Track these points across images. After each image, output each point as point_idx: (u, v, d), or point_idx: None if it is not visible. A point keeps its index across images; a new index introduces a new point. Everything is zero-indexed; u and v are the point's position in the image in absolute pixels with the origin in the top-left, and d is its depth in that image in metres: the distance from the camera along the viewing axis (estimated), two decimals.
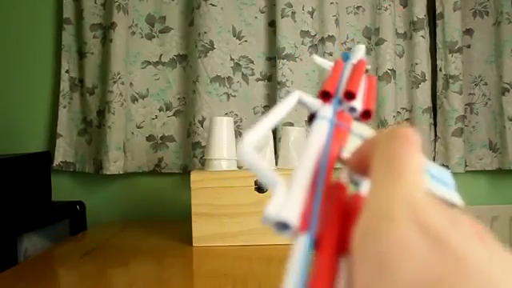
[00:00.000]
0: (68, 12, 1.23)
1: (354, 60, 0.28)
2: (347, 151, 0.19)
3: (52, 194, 1.13)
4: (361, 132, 0.21)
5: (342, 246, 0.14)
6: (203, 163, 1.07)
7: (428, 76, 1.26)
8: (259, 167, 0.16)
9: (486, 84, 1.30)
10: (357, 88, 0.23)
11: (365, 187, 0.18)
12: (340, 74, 0.25)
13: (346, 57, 0.29)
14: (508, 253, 0.13)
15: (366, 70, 0.27)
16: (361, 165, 0.18)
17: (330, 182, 0.17)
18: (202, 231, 0.84)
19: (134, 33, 1.23)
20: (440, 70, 1.28)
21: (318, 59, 0.31)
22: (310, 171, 0.17)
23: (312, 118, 0.22)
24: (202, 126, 1.17)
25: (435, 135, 1.29)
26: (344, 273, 0.14)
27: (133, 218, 1.24)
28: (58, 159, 1.22)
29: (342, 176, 0.19)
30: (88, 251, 0.83)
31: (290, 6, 1.20)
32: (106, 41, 1.20)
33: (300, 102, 0.22)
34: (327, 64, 0.30)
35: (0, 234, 0.84)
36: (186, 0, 1.24)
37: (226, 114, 1.22)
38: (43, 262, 0.78)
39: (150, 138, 1.24)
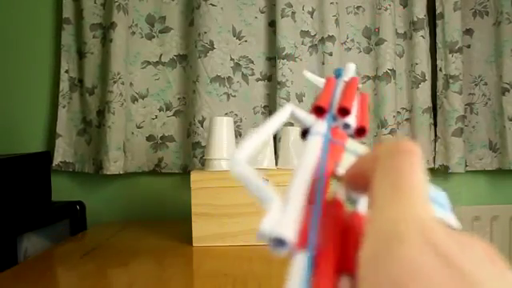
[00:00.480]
0: (68, 12, 1.23)
1: (345, 77, 0.28)
2: (342, 168, 0.19)
3: (52, 194, 1.13)
4: (355, 149, 0.21)
5: (340, 265, 0.14)
6: (203, 163, 1.07)
7: (428, 76, 1.26)
8: (253, 182, 0.16)
9: (486, 84, 1.30)
10: (351, 104, 0.23)
11: (362, 205, 0.18)
12: (332, 91, 0.25)
13: (337, 74, 0.28)
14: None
15: (358, 88, 0.27)
16: (359, 181, 0.17)
17: (327, 199, 0.17)
18: (202, 231, 0.84)
19: (134, 33, 1.23)
20: (440, 70, 1.28)
21: (309, 75, 0.31)
22: (306, 186, 0.16)
23: (305, 133, 0.22)
24: (202, 126, 1.17)
25: (435, 135, 1.29)
26: None
27: (133, 218, 1.24)
28: (57, 159, 1.22)
29: (339, 193, 0.18)
30: (88, 251, 0.83)
31: (289, 5, 1.20)
32: (105, 41, 1.20)
33: (292, 117, 0.22)
34: (319, 81, 0.30)
35: (0, 234, 0.84)
36: (185, 0, 1.24)
37: (226, 114, 1.22)
38: (43, 262, 0.78)
39: (150, 137, 1.24)
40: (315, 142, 0.20)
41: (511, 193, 1.32)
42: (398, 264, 0.12)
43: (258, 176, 0.16)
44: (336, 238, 0.15)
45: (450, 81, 1.25)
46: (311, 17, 1.22)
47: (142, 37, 1.24)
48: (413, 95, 1.26)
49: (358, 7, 1.28)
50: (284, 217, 0.15)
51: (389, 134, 1.22)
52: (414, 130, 1.26)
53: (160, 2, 1.24)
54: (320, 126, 0.21)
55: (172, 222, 1.11)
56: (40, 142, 1.26)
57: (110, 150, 1.15)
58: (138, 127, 1.24)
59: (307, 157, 0.18)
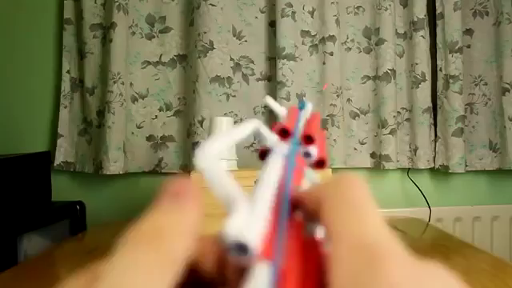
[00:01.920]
0: (68, 12, 1.23)
1: (307, 112, 0.28)
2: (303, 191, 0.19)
3: (52, 194, 1.13)
4: (313, 179, 0.21)
5: (304, 286, 0.13)
6: None
7: (428, 76, 1.26)
8: (217, 178, 0.15)
9: (486, 84, 1.30)
10: (315, 133, 0.23)
11: (319, 231, 0.17)
12: (296, 119, 0.25)
13: (301, 106, 0.28)
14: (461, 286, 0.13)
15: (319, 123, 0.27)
16: (309, 209, 0.17)
17: (290, 218, 0.16)
18: (202, 231, 0.84)
19: (134, 33, 1.23)
20: (440, 69, 1.28)
21: (270, 101, 0.30)
22: (271, 197, 0.16)
23: (263, 153, 0.21)
24: (202, 126, 1.17)
25: (435, 135, 1.29)
26: None
27: (133, 218, 1.24)
28: (58, 159, 1.22)
29: (298, 215, 0.18)
30: (88, 251, 0.83)
31: (290, 5, 1.20)
32: (106, 41, 1.20)
33: (256, 133, 0.22)
34: (279, 109, 0.30)
35: (0, 234, 0.84)
36: (185, 0, 1.24)
37: (226, 114, 1.22)
38: (43, 262, 0.78)
39: (150, 137, 1.24)
40: (278, 161, 0.19)
41: (511, 193, 1.32)
42: (384, 279, 0.12)
43: (226, 174, 0.15)
44: (301, 256, 0.14)
45: (450, 81, 1.25)
46: (311, 17, 1.22)
47: (142, 37, 1.24)
48: (413, 95, 1.26)
49: (358, 7, 1.28)
50: (250, 222, 0.14)
51: (389, 134, 1.22)
52: (414, 129, 1.26)
53: (160, 2, 1.24)
54: (283, 148, 0.21)
55: None
56: (41, 141, 1.27)
57: (110, 150, 1.15)
58: (138, 127, 1.24)
59: (269, 172, 0.18)
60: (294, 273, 0.14)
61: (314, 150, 0.22)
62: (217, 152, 0.16)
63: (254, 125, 0.21)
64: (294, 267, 0.14)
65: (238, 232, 0.13)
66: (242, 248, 0.13)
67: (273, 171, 0.18)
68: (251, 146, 1.24)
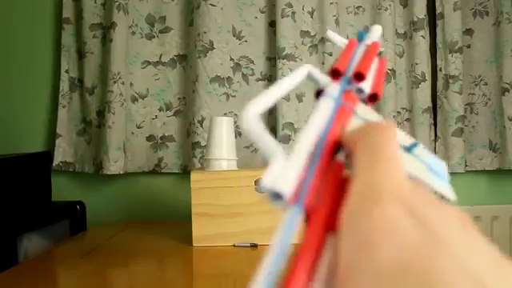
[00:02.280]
0: (68, 12, 1.23)
1: (368, 41, 0.28)
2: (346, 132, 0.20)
3: (52, 194, 1.13)
4: (364, 115, 0.21)
5: (332, 223, 0.15)
6: (203, 163, 1.07)
7: (428, 76, 1.26)
8: (260, 136, 0.16)
9: (486, 84, 1.30)
10: (367, 70, 0.23)
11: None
12: (352, 54, 0.25)
13: (361, 37, 0.28)
14: (485, 240, 0.13)
15: (379, 53, 0.27)
16: (347, 150, 0.18)
17: (329, 160, 0.17)
18: (202, 231, 0.84)
19: (134, 33, 1.23)
20: (440, 70, 1.28)
21: (331, 34, 0.31)
22: (309, 146, 0.17)
23: (319, 93, 0.22)
24: (202, 126, 1.17)
25: (435, 135, 1.29)
26: (329, 250, 0.14)
27: (133, 217, 1.24)
28: (57, 159, 1.22)
29: (341, 156, 0.19)
30: (88, 251, 0.83)
31: (290, 6, 1.20)
32: (105, 41, 1.20)
33: (309, 76, 0.23)
34: (341, 41, 0.30)
35: (0, 234, 0.84)
36: (185, 0, 1.24)
37: (226, 114, 1.22)
38: (43, 262, 0.78)
39: (150, 138, 1.24)
40: (326, 105, 0.20)
41: (511, 193, 1.32)
42: (370, 221, 0.13)
43: (266, 132, 0.17)
44: (331, 197, 0.16)
45: (450, 81, 1.25)
46: (311, 17, 1.22)
47: (142, 37, 1.24)
48: (413, 95, 1.26)
49: (358, 7, 1.28)
50: (285, 172, 0.15)
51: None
52: (414, 129, 1.26)
53: (160, 2, 1.24)
54: (334, 89, 0.22)
55: (172, 222, 1.11)
56: (40, 141, 1.27)
57: (110, 150, 1.15)
58: (138, 127, 1.24)
59: (315, 117, 0.19)
60: (321, 212, 0.15)
61: (366, 85, 0.23)
62: (260, 111, 0.17)
63: (306, 70, 0.22)
64: (323, 206, 0.15)
65: (272, 182, 0.15)
66: (277, 196, 0.15)
67: (317, 116, 0.19)
68: (251, 145, 1.24)
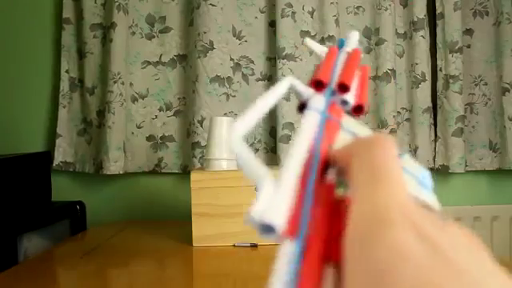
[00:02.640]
0: (68, 12, 1.23)
1: (348, 48, 0.27)
2: (335, 148, 0.18)
3: (52, 194, 1.13)
4: (351, 128, 0.20)
5: (328, 253, 0.14)
6: (203, 163, 1.07)
7: (428, 76, 1.26)
8: (248, 160, 0.15)
9: (486, 84, 1.30)
10: (351, 80, 0.22)
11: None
12: (334, 62, 0.24)
13: (340, 44, 0.27)
14: (491, 258, 0.13)
15: (359, 61, 0.26)
16: (339, 167, 0.17)
17: (319, 182, 0.16)
18: (202, 231, 0.84)
19: (134, 33, 1.23)
20: (440, 69, 1.28)
21: (310, 43, 0.30)
22: (300, 168, 0.16)
23: (303, 106, 0.21)
24: (202, 126, 1.17)
25: (435, 135, 1.28)
26: (332, 280, 0.13)
27: (133, 217, 1.24)
28: (57, 159, 1.22)
29: (330, 175, 0.18)
30: (88, 251, 0.83)
31: (290, 6, 1.20)
32: (106, 41, 1.20)
33: (291, 89, 0.21)
34: (320, 49, 0.29)
35: (0, 234, 0.84)
36: (185, 0, 1.24)
37: (226, 114, 1.22)
38: (43, 262, 0.78)
39: (150, 138, 1.24)
40: (312, 119, 0.19)
41: (511, 193, 1.32)
42: (385, 248, 0.12)
43: (253, 156, 0.16)
44: (325, 225, 0.15)
45: (450, 81, 1.25)
46: (311, 17, 1.22)
47: (142, 37, 1.24)
48: (413, 95, 1.26)
49: (358, 7, 1.28)
50: (275, 202, 0.14)
51: (389, 134, 1.22)
52: (414, 129, 1.26)
53: (160, 2, 1.24)
54: (318, 101, 0.21)
55: (172, 222, 1.10)
56: (40, 141, 1.27)
57: (110, 150, 1.15)
58: (138, 127, 1.24)
59: (303, 135, 0.18)
60: (319, 241, 0.14)
61: (351, 96, 0.22)
62: (247, 130, 0.16)
63: (288, 82, 0.21)
64: (321, 235, 0.14)
65: (262, 213, 0.13)
66: (268, 228, 0.13)
67: (305, 132, 0.18)
68: (251, 145, 1.24)
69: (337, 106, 0.21)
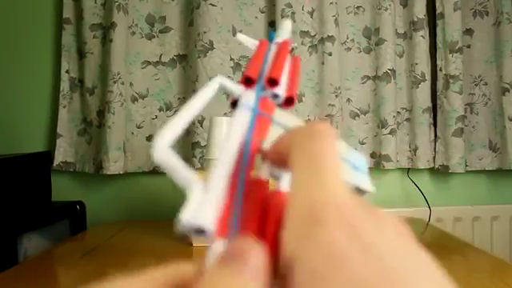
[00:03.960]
0: (68, 12, 1.23)
1: (279, 38, 0.26)
2: (268, 143, 0.18)
3: (52, 194, 1.13)
4: (284, 122, 0.20)
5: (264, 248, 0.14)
6: (203, 163, 1.07)
7: (428, 76, 1.26)
8: (173, 166, 0.15)
9: (486, 84, 1.30)
10: (280, 73, 0.22)
11: (285, 181, 0.17)
12: (264, 56, 0.24)
13: (271, 36, 0.27)
14: (427, 255, 0.13)
15: (292, 50, 0.25)
16: (279, 159, 0.17)
17: (250, 178, 0.16)
18: None
19: (134, 33, 1.23)
20: (440, 69, 1.28)
21: (241, 37, 0.29)
22: (229, 167, 0.16)
23: (235, 103, 0.21)
24: (202, 126, 1.17)
25: (435, 135, 1.28)
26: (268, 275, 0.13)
27: (133, 217, 1.24)
28: (58, 159, 1.22)
29: (262, 169, 0.18)
30: (88, 251, 0.83)
31: (289, 6, 1.20)
32: (106, 41, 1.20)
33: (221, 88, 0.21)
34: (251, 43, 0.28)
35: (0, 234, 0.84)
36: (185, 0, 1.24)
37: (226, 114, 1.22)
38: (43, 262, 0.78)
39: (150, 138, 1.24)
40: (242, 116, 0.19)
41: (511, 193, 1.32)
42: (319, 247, 0.12)
43: (180, 161, 0.16)
44: (257, 221, 0.15)
45: (450, 81, 1.25)
46: (311, 17, 1.22)
47: (142, 37, 1.24)
48: (413, 95, 1.26)
49: (358, 7, 1.28)
50: (204, 205, 0.14)
51: (389, 134, 1.22)
52: (414, 129, 1.26)
53: (160, 2, 1.24)
54: (248, 97, 0.21)
55: (172, 222, 1.10)
56: (40, 141, 1.27)
57: (110, 150, 1.15)
58: (138, 127, 1.24)
59: (233, 132, 0.18)
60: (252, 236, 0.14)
61: (281, 89, 0.21)
62: (171, 140, 0.16)
63: (217, 82, 0.21)
64: (252, 232, 0.14)
65: (192, 217, 0.14)
66: (199, 231, 0.14)
67: (235, 130, 0.18)
68: None
69: (268, 101, 0.21)
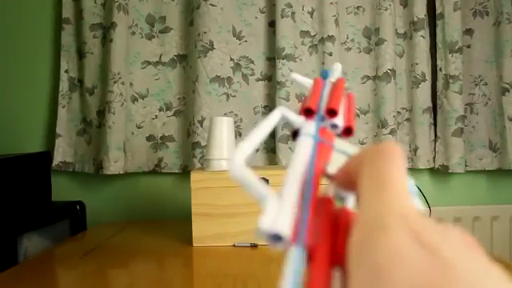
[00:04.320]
0: (67, 12, 1.23)
1: (332, 78, 0.29)
2: (331, 167, 0.20)
3: (52, 194, 1.13)
4: (343, 148, 0.22)
5: (333, 258, 0.15)
6: (203, 163, 1.07)
7: (428, 76, 1.26)
8: (250, 182, 0.17)
9: (486, 84, 1.30)
10: (338, 105, 0.24)
11: (351, 202, 0.19)
12: (320, 91, 0.26)
13: (324, 75, 0.29)
14: (493, 264, 0.13)
15: (344, 88, 0.28)
16: (347, 180, 0.18)
17: (318, 196, 0.18)
18: (202, 231, 0.84)
19: (134, 33, 1.23)
20: (440, 69, 1.28)
21: (297, 77, 0.32)
22: (298, 185, 0.18)
23: (295, 134, 0.23)
24: (202, 126, 1.17)
25: (435, 135, 1.29)
26: (337, 284, 0.14)
27: (133, 217, 1.24)
28: (57, 159, 1.22)
29: (329, 191, 0.19)
30: (88, 251, 0.83)
31: (289, 6, 1.20)
32: (105, 41, 1.20)
33: (283, 118, 0.23)
34: (306, 81, 0.31)
35: (0, 234, 0.84)
36: (185, 0, 1.24)
37: (226, 114, 1.22)
38: (43, 262, 0.78)
39: (149, 137, 1.24)
40: (305, 143, 0.21)
41: (511, 193, 1.32)
42: (381, 251, 0.13)
43: (255, 176, 0.17)
44: (328, 232, 0.16)
45: (450, 81, 1.25)
46: (311, 17, 1.22)
47: (142, 37, 1.24)
48: (413, 95, 1.26)
49: (358, 7, 1.28)
50: (280, 214, 0.16)
51: (389, 134, 1.22)
52: (414, 129, 1.26)
53: (160, 2, 1.24)
54: (309, 127, 0.23)
55: (172, 222, 1.11)
56: (40, 142, 1.27)
57: (110, 150, 1.15)
58: (138, 127, 1.24)
59: (298, 157, 0.20)
60: (323, 248, 0.15)
61: (339, 120, 0.24)
62: (244, 158, 0.18)
63: (280, 112, 0.23)
64: (325, 242, 0.16)
65: (270, 224, 0.15)
66: (277, 238, 0.15)
67: (300, 154, 0.20)
68: None
69: (327, 130, 0.23)
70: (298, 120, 0.23)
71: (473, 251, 0.13)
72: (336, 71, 0.30)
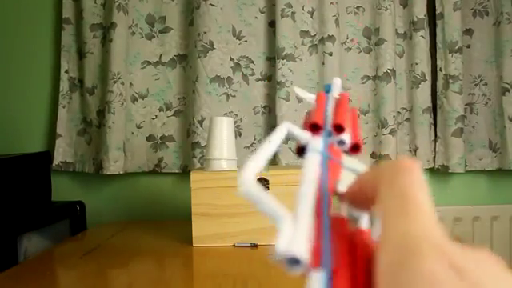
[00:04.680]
0: (67, 12, 1.23)
1: (334, 93, 0.28)
2: (342, 186, 0.20)
3: (52, 194, 1.13)
4: (352, 166, 0.22)
5: (354, 280, 0.15)
6: (203, 163, 1.07)
7: (428, 76, 1.26)
8: (261, 199, 0.16)
9: (486, 84, 1.30)
10: (344, 120, 0.23)
11: (364, 222, 0.19)
12: (325, 106, 0.25)
13: (327, 89, 0.29)
14: None
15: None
16: (361, 199, 0.18)
17: (332, 216, 0.17)
18: (202, 231, 0.84)
19: (134, 33, 1.23)
20: (440, 70, 1.28)
21: (299, 92, 0.31)
22: (312, 203, 0.17)
23: (300, 150, 0.22)
24: (202, 126, 1.17)
25: (435, 135, 1.28)
26: None
27: (133, 217, 1.24)
28: (57, 159, 1.22)
29: (341, 211, 0.19)
30: (88, 251, 0.83)
31: (289, 6, 1.20)
32: (105, 41, 1.20)
33: (289, 134, 0.23)
34: (309, 96, 0.30)
35: (0, 234, 0.84)
36: (185, 0, 1.24)
37: (226, 114, 1.22)
38: (43, 262, 0.78)
39: (150, 137, 1.24)
40: (314, 160, 0.20)
41: (511, 193, 1.32)
42: (417, 277, 0.12)
43: (268, 194, 0.17)
44: (347, 253, 0.16)
45: (450, 81, 1.25)
46: (311, 17, 1.22)
47: (142, 37, 1.24)
48: (413, 95, 1.26)
49: (358, 7, 1.28)
50: (296, 236, 0.15)
51: (389, 134, 1.22)
52: (414, 129, 1.26)
53: (160, 2, 1.24)
54: (317, 143, 0.22)
55: (172, 222, 1.11)
56: (40, 142, 1.27)
57: (110, 150, 1.15)
58: (138, 127, 1.24)
59: (308, 174, 0.19)
60: (345, 270, 0.15)
61: (346, 136, 0.23)
62: (255, 175, 0.17)
63: (286, 128, 0.22)
64: (344, 264, 0.15)
65: (287, 247, 0.15)
66: (294, 261, 0.15)
67: (310, 171, 0.19)
68: (251, 145, 1.24)
69: (335, 147, 0.23)
70: (304, 136, 0.23)
71: (503, 273, 0.13)
72: (336, 86, 0.29)
